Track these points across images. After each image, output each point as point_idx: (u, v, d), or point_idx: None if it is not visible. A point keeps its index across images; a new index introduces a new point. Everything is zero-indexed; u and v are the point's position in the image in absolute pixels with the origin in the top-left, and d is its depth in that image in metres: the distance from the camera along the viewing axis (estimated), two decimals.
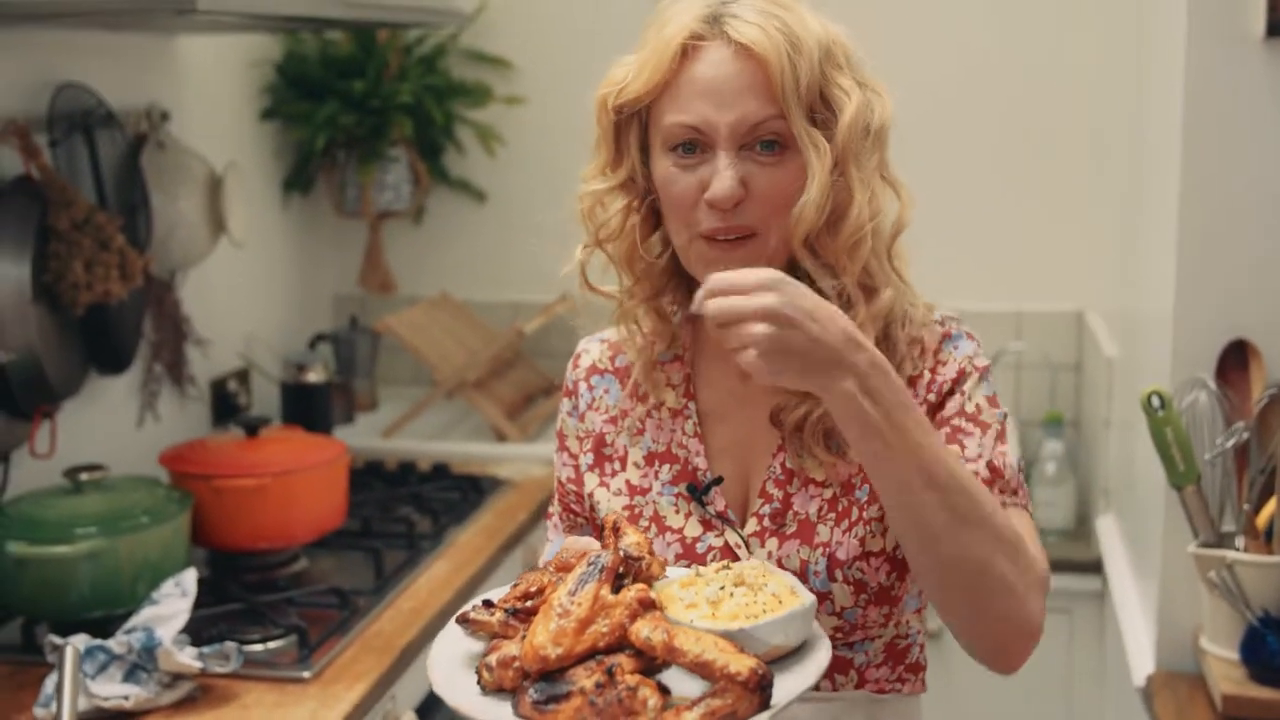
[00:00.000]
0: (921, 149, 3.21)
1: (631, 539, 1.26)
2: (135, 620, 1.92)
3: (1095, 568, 2.78)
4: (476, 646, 1.23)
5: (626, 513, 1.46)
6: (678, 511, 1.44)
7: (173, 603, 1.92)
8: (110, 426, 2.58)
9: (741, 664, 1.10)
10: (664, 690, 1.12)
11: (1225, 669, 1.90)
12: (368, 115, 3.18)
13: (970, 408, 1.39)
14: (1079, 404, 3.20)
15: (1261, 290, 1.95)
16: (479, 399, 3.07)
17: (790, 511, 1.39)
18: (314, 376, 2.97)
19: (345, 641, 2.07)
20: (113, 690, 1.83)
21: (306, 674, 1.95)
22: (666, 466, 1.46)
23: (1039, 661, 2.92)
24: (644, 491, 1.46)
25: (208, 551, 2.35)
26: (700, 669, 1.11)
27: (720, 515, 1.42)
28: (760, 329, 1.17)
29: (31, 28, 2.32)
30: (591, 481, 1.50)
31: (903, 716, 1.46)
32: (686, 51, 1.33)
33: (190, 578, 1.97)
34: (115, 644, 1.85)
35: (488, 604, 1.24)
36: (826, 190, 1.31)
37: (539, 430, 3.11)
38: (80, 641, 1.84)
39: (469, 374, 3.07)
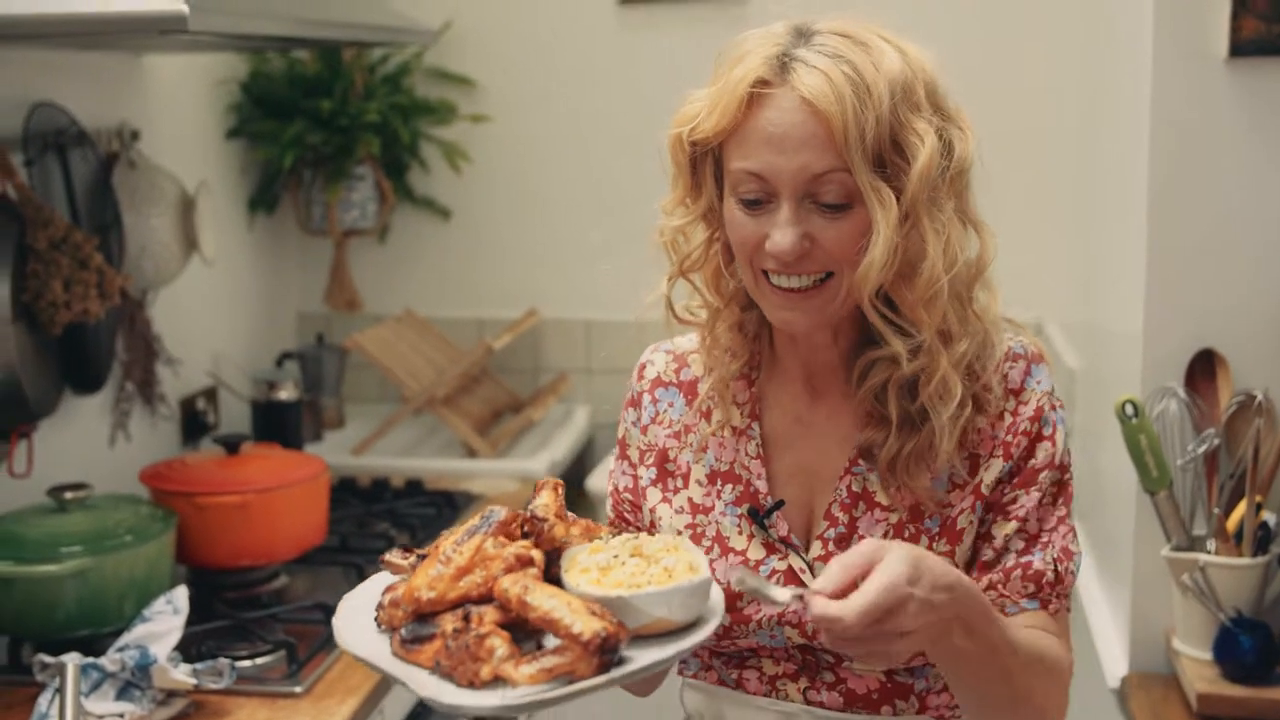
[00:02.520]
0: None
1: (542, 500, 1.27)
2: (127, 638, 1.92)
3: None
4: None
5: (689, 532, 1.45)
6: (740, 533, 1.44)
7: (165, 620, 1.93)
8: (84, 446, 2.57)
9: (587, 625, 1.11)
10: (537, 646, 1.16)
11: (1199, 669, 1.96)
12: (334, 134, 3.19)
13: (1059, 458, 1.41)
14: None
15: (1228, 301, 2.02)
16: (449, 415, 3.09)
17: (856, 535, 1.40)
18: (285, 394, 2.97)
19: (333, 656, 2.07)
20: (107, 708, 1.82)
21: (298, 689, 1.96)
22: (729, 487, 1.46)
23: None
24: (706, 510, 1.46)
25: (189, 569, 2.35)
26: (548, 625, 1.14)
27: (783, 540, 1.42)
28: (894, 645, 1.17)
29: (5, 47, 2.31)
30: (654, 497, 1.50)
31: None
32: (753, 99, 1.32)
33: (182, 595, 1.97)
34: (108, 662, 1.85)
35: (405, 549, 1.30)
36: (893, 246, 1.29)
37: (509, 446, 3.13)
38: (75, 660, 1.84)
39: (438, 390, 3.09)
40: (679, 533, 1.44)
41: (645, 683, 1.52)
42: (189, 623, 2.00)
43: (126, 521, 2.13)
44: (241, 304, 3.27)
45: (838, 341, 1.42)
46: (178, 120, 2.96)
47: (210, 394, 3.05)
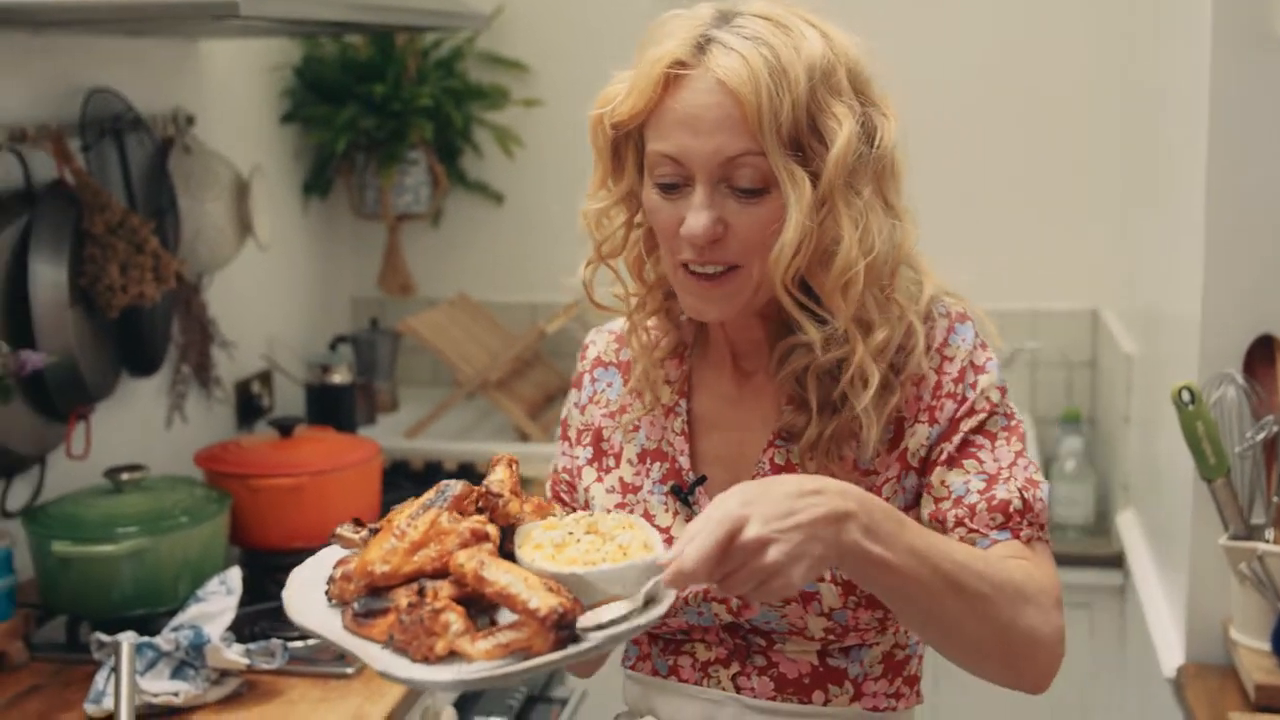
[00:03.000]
0: (936, 150, 3.25)
1: (497, 476, 1.26)
2: (182, 618, 1.94)
3: (1116, 562, 2.81)
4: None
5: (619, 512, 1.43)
6: (667, 510, 1.44)
7: (219, 600, 1.95)
8: (140, 428, 2.61)
9: (543, 600, 1.10)
10: (490, 621, 1.14)
11: (1256, 659, 1.93)
12: (388, 118, 3.20)
13: (996, 401, 1.37)
14: (1095, 401, 3.23)
15: None
16: (502, 399, 3.10)
17: None
18: (339, 378, 2.99)
19: None
20: (161, 686, 1.85)
21: (350, 670, 1.97)
22: (657, 465, 1.45)
23: None
24: (635, 490, 1.46)
25: (242, 550, 2.37)
26: (505, 600, 1.12)
27: None
28: (762, 562, 1.12)
29: (62, 33, 2.34)
30: (589, 476, 1.50)
31: None
32: (669, 80, 1.30)
33: (235, 576, 1.99)
34: (163, 641, 1.88)
35: (357, 522, 1.28)
36: (806, 230, 1.27)
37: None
38: (130, 638, 1.86)
39: (491, 374, 3.10)
40: (608, 512, 1.42)
41: (589, 663, 1.52)
42: (242, 603, 2.02)
43: (182, 503, 2.15)
44: (296, 288, 3.29)
45: (763, 324, 1.41)
46: (232, 105, 2.98)
47: (265, 377, 3.07)
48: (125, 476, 2.16)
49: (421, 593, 1.14)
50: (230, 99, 2.98)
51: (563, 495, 1.55)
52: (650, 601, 1.15)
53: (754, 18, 1.31)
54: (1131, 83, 2.90)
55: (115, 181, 2.48)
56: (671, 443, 1.45)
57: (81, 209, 2.29)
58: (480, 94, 3.32)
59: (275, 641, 1.92)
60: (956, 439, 1.37)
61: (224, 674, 1.90)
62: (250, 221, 2.75)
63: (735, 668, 1.43)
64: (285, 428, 2.44)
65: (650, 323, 1.47)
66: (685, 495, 1.42)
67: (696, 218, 1.29)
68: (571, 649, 1.11)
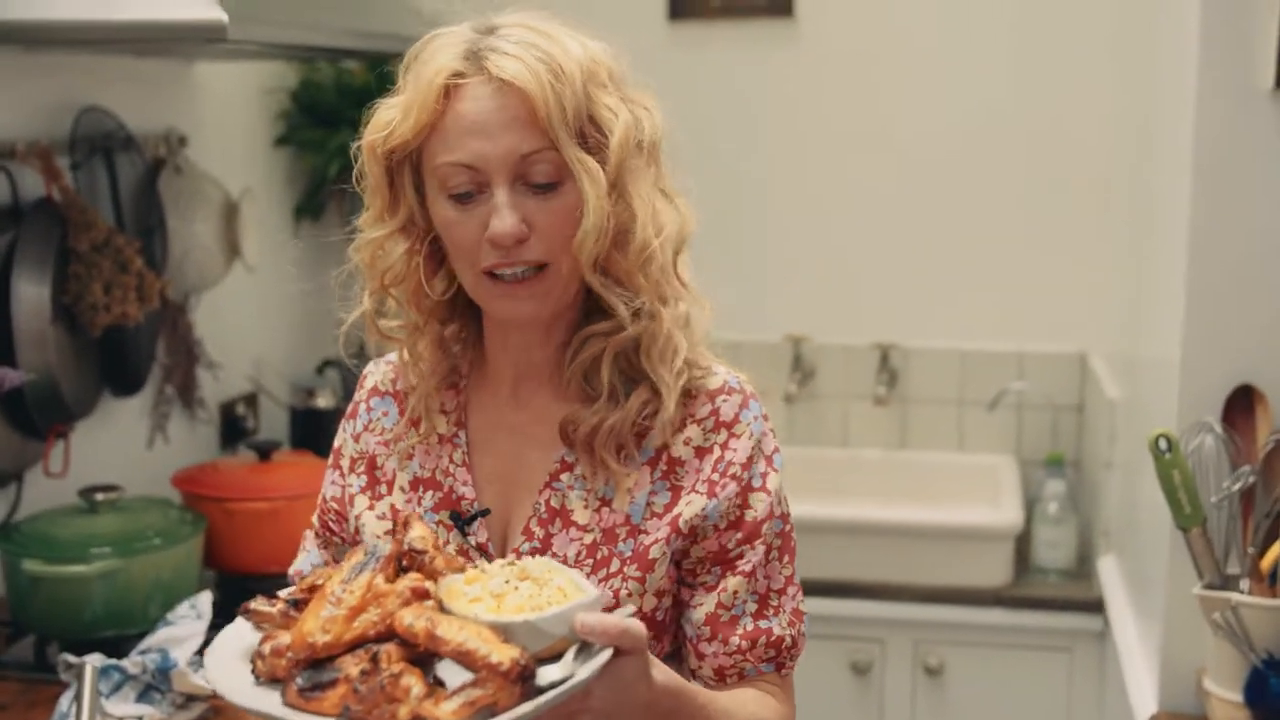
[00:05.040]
0: (930, 191, 3.28)
1: (418, 533, 1.24)
2: (150, 641, 1.94)
3: (1096, 607, 2.80)
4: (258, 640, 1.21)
5: (388, 540, 1.42)
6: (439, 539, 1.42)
7: (188, 625, 1.94)
8: (121, 447, 2.60)
9: (504, 654, 1.09)
10: (434, 680, 1.12)
11: (1229, 711, 1.92)
12: None
13: (776, 509, 1.41)
14: (1080, 445, 3.23)
15: (1268, 336, 1.98)
16: None
17: (550, 552, 1.38)
18: (323, 401, 2.99)
19: None
20: (127, 710, 1.84)
21: None
22: (430, 493, 1.44)
23: (1040, 699, 2.96)
24: None
25: (217, 573, 2.36)
26: (462, 658, 1.10)
27: (480, 548, 1.41)
28: None
29: (56, 52, 2.35)
30: (361, 504, 1.48)
31: None
32: (449, 91, 1.31)
33: (205, 600, 1.99)
34: (130, 664, 1.87)
35: (270, 596, 1.24)
36: (605, 214, 1.31)
37: None
38: (96, 661, 1.85)
39: None
40: (378, 537, 1.43)
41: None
42: (214, 627, 2.01)
43: (156, 524, 2.15)
44: (284, 311, 3.29)
45: (550, 338, 1.41)
46: (226, 127, 2.99)
47: (250, 399, 3.07)
48: (100, 497, 2.15)
49: (375, 659, 1.11)
50: (224, 121, 2.99)
51: (331, 524, 1.54)
52: (584, 645, 1.15)
53: (514, 27, 1.35)
54: (1129, 131, 2.91)
55: (104, 200, 2.48)
56: (450, 472, 1.44)
57: (67, 227, 2.30)
58: None
59: None
60: (736, 537, 1.39)
61: (190, 699, 1.89)
62: (239, 243, 2.75)
63: None
64: (264, 451, 2.44)
65: (426, 352, 1.46)
66: (463, 524, 1.41)
67: (502, 219, 1.30)
68: (540, 699, 1.10)
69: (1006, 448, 3.28)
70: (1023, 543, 3.00)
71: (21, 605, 2.08)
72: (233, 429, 2.99)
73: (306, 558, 1.57)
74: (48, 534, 2.09)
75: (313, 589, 1.22)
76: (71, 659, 1.87)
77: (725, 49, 3.23)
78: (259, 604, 1.22)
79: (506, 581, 1.20)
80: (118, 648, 1.98)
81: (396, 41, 2.62)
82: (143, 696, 1.86)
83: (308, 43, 2.26)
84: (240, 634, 1.23)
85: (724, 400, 1.40)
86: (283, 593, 1.26)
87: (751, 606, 1.40)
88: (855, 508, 3.04)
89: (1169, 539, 2.04)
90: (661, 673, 1.24)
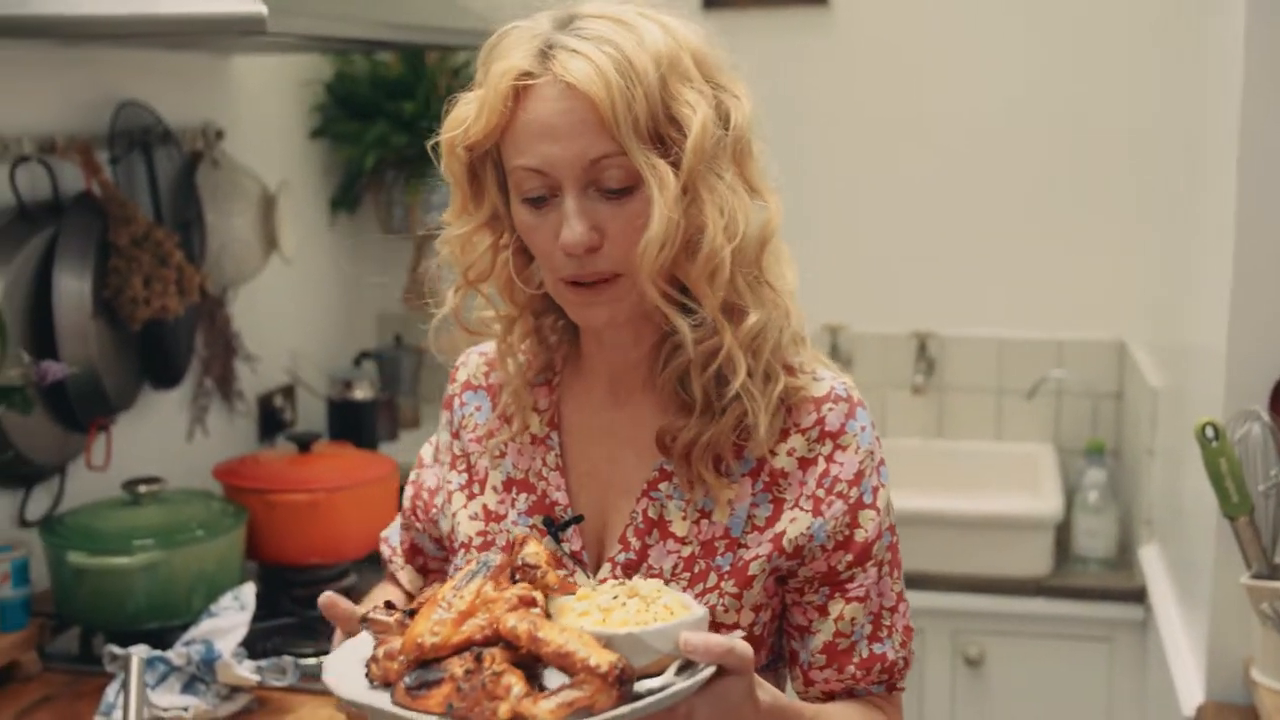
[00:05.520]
0: (967, 179, 3.26)
1: (532, 549, 1.25)
2: (194, 633, 1.95)
3: (1138, 596, 2.78)
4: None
5: (480, 540, 1.42)
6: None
7: (231, 616, 1.95)
8: (161, 440, 2.61)
9: (602, 658, 1.10)
10: (540, 688, 1.13)
11: (1278, 701, 1.90)
12: (417, 136, 3.20)
13: (885, 524, 1.38)
14: (1120, 433, 3.20)
15: None
16: None
17: (645, 564, 1.35)
18: (360, 393, 3.00)
19: None
20: (172, 701, 1.85)
21: None
22: (524, 496, 1.41)
23: (1080, 689, 2.93)
24: (499, 518, 1.42)
25: (259, 565, 2.37)
26: (561, 660, 1.11)
27: (574, 556, 1.38)
28: None
29: (95, 47, 2.36)
30: (458, 502, 1.46)
31: None
32: (518, 93, 1.27)
33: (249, 592, 1.99)
34: (174, 655, 1.88)
35: (389, 605, 1.26)
36: (671, 222, 1.24)
37: None
38: (142, 652, 1.86)
39: None
40: (470, 538, 1.42)
41: None
42: (256, 618, 2.02)
43: (198, 516, 2.16)
44: (321, 303, 3.30)
45: (640, 340, 1.37)
46: (262, 120, 3.00)
47: (288, 391, 3.08)
48: (143, 489, 2.16)
49: (479, 658, 1.14)
50: (261, 114, 2.99)
51: (418, 512, 1.53)
52: (688, 663, 1.16)
53: (592, 18, 1.29)
54: (1166, 115, 2.88)
55: (142, 194, 2.49)
56: (543, 475, 1.41)
57: (107, 221, 2.31)
58: None
59: (287, 658, 1.92)
60: (846, 559, 1.35)
61: (235, 690, 1.90)
62: (276, 236, 2.76)
63: None
64: (303, 443, 2.44)
65: (523, 345, 1.43)
66: (557, 531, 1.38)
67: (571, 228, 1.26)
68: (638, 704, 1.11)
69: (1045, 436, 3.26)
70: (1063, 532, 2.98)
71: (66, 597, 2.09)
72: (271, 421, 3.00)
73: (394, 527, 1.60)
74: (91, 526, 2.10)
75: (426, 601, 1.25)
76: (117, 650, 1.88)
77: (759, 38, 3.21)
78: (376, 614, 1.25)
79: (615, 597, 1.21)
80: (161, 639, 1.99)
81: (432, 33, 2.65)
82: (188, 688, 1.87)
83: (345, 35, 2.26)
84: (360, 644, 1.26)
85: (830, 409, 1.35)
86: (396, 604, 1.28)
87: (866, 629, 1.37)
88: (894, 497, 3.02)
89: (1215, 528, 2.02)
90: (767, 694, 1.21)
